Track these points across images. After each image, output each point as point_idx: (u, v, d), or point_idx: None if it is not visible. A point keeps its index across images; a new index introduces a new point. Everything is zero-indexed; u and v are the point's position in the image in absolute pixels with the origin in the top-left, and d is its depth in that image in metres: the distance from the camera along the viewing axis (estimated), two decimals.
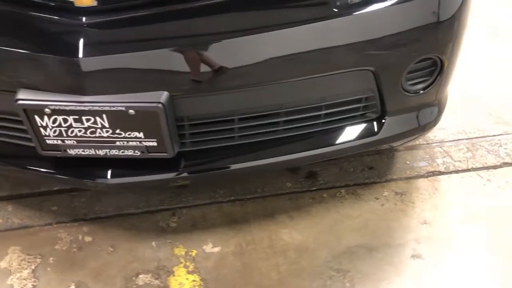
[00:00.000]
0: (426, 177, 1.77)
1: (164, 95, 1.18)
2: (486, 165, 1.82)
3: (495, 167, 1.82)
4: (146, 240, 1.54)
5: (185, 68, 1.17)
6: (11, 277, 1.42)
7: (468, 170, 1.80)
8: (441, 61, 1.38)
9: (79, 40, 1.14)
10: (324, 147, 1.41)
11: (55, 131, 1.24)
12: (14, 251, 1.51)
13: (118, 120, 1.20)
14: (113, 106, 1.18)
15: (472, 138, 1.94)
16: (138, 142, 1.26)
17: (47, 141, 1.27)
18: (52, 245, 1.52)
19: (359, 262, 1.45)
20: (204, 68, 1.18)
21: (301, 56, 1.21)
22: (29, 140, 1.33)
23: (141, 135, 1.24)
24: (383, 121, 1.43)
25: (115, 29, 1.17)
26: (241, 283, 1.39)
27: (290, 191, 1.71)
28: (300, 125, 1.38)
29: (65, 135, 1.25)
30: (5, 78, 1.21)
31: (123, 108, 1.18)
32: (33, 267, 1.45)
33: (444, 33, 1.33)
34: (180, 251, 1.50)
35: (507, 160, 1.84)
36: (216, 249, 1.50)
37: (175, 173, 1.35)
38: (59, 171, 1.35)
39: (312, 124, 1.39)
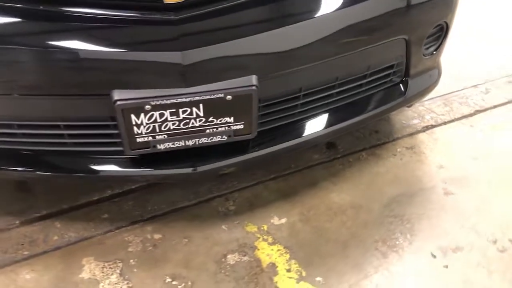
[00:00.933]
0: (424, 131, 2.05)
1: (254, 79, 1.28)
2: (464, 115, 2.15)
3: (471, 115, 2.16)
4: (215, 225, 1.60)
5: (270, 51, 1.29)
6: (101, 284, 1.41)
7: (452, 120, 2.12)
8: (447, 26, 1.65)
9: (175, 35, 1.20)
10: (369, 112, 1.61)
11: (148, 128, 1.28)
12: (89, 261, 1.48)
13: (214, 107, 1.28)
14: (213, 94, 1.25)
15: (444, 95, 2.27)
16: (226, 127, 1.34)
17: (137, 140, 1.29)
18: (125, 249, 1.52)
19: (407, 206, 1.67)
20: (284, 48, 1.30)
21: (356, 27, 1.38)
22: (109, 144, 1.35)
23: (231, 119, 1.32)
24: (408, 83, 1.67)
25: (204, 21, 1.24)
26: (321, 242, 1.53)
27: (320, 162, 1.88)
28: (349, 94, 1.56)
29: (157, 130, 1.29)
30: (100, 81, 1.22)
31: (222, 95, 1.26)
32: (118, 271, 1.45)
33: (452, 2, 1.60)
34: (251, 228, 1.59)
35: (477, 108, 2.20)
36: (283, 220, 1.62)
37: (251, 154, 1.45)
38: (146, 168, 1.38)
39: (358, 92, 1.58)
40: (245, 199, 1.70)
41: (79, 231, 1.59)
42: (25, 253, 1.52)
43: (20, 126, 1.33)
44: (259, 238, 1.56)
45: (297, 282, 1.41)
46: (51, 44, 1.18)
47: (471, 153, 1.92)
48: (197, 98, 1.25)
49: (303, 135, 1.52)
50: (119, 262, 1.48)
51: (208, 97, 1.25)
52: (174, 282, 1.42)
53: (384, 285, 1.41)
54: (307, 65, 1.37)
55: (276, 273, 1.44)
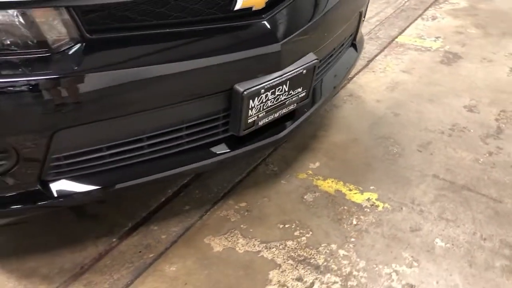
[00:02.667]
0: (349, 82, 2.75)
1: (313, 54, 1.74)
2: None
3: (380, 53, 2.95)
4: (276, 183, 2.00)
5: (325, 32, 1.76)
6: (237, 248, 1.70)
7: (376, 56, 2.89)
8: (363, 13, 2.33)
9: (271, 31, 1.57)
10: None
11: (256, 109, 1.63)
12: (210, 239, 1.74)
13: (294, 82, 1.69)
14: (297, 71, 1.67)
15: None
16: (296, 97, 1.77)
17: (248, 121, 1.63)
18: (228, 221, 1.81)
19: (382, 128, 2.33)
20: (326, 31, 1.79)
21: None
22: (219, 133, 1.64)
23: (300, 89, 1.76)
24: (357, 45, 2.31)
25: (283, 15, 1.63)
26: (353, 167, 2.08)
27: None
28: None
29: (261, 109, 1.65)
30: (223, 80, 1.51)
31: (303, 71, 1.69)
32: (239, 235, 1.75)
33: None
34: (302, 175, 2.04)
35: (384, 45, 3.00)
36: (317, 164, 2.11)
37: (304, 116, 1.89)
38: (248, 144, 1.70)
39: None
40: (279, 160, 2.13)
41: (178, 225, 1.81)
42: (151, 255, 1.69)
43: (149, 138, 1.53)
44: (312, 179, 2.03)
45: (361, 194, 1.95)
46: (186, 59, 1.44)
47: (388, 87, 2.70)
48: (288, 76, 1.66)
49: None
50: (234, 230, 1.78)
51: (294, 74, 1.67)
52: (286, 226, 1.80)
53: (401, 172, 2.04)
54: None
55: (344, 194, 1.94)
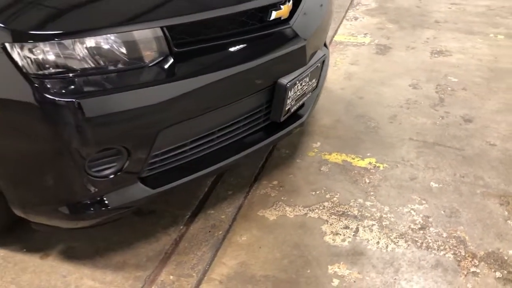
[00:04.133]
0: None
1: (324, 49, 2.16)
2: None
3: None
4: (292, 162, 2.39)
5: (324, 32, 2.18)
6: (288, 215, 2.05)
7: None
8: None
9: (297, 33, 1.95)
10: None
11: (291, 98, 2.00)
12: (262, 212, 2.07)
13: (312, 74, 2.09)
14: (315, 65, 2.07)
15: None
16: (311, 86, 2.17)
17: (285, 108, 2.00)
18: (269, 196, 2.16)
19: (362, 110, 2.82)
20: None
21: None
22: (262, 122, 1.98)
23: (314, 80, 2.17)
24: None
25: (301, 21, 2.02)
26: (348, 141, 2.53)
27: None
28: None
29: (294, 98, 2.02)
30: (270, 76, 1.87)
31: (317, 64, 2.09)
32: (286, 207, 2.10)
33: None
34: (311, 154, 2.45)
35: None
36: (318, 143, 2.53)
37: (314, 103, 2.29)
38: (281, 130, 2.05)
39: None
40: (287, 145, 2.52)
41: (230, 206, 2.11)
42: (220, 232, 1.98)
43: (219, 131, 1.83)
44: (321, 155, 2.44)
45: (363, 160, 2.41)
46: (245, 61, 1.77)
47: (345, 77, 3.21)
48: (310, 70, 2.05)
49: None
50: (278, 202, 2.13)
51: (313, 68, 2.07)
52: (317, 192, 2.19)
53: (385, 139, 2.54)
54: None
55: (350, 162, 2.39)
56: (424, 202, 2.14)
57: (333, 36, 3.85)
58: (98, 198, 1.63)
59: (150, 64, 1.58)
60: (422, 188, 2.22)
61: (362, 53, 3.57)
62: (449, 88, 3.07)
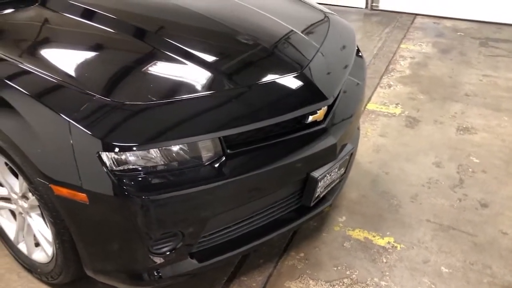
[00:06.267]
0: None
1: (350, 144, 2.47)
2: None
3: None
4: (321, 235, 2.68)
5: (353, 127, 2.50)
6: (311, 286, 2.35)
7: None
8: None
9: (329, 132, 2.26)
10: None
11: (321, 187, 2.32)
12: (289, 283, 2.37)
13: (341, 165, 2.40)
14: (344, 158, 2.38)
15: None
16: (340, 174, 2.48)
17: (316, 195, 2.31)
18: (296, 267, 2.46)
19: (387, 186, 3.10)
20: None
21: None
22: (294, 205, 2.30)
23: (343, 169, 2.48)
24: None
25: (333, 121, 2.33)
26: (372, 212, 2.82)
27: None
28: None
29: (323, 186, 2.33)
30: (304, 169, 2.19)
31: (346, 157, 2.40)
32: (311, 280, 2.40)
33: None
34: (337, 228, 2.74)
35: None
36: (347, 215, 2.82)
37: (340, 188, 2.60)
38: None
39: None
40: (315, 219, 2.82)
41: (260, 274, 2.44)
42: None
43: (258, 214, 2.16)
44: (345, 230, 2.74)
45: (382, 238, 2.69)
46: (287, 158, 2.10)
47: (373, 150, 3.49)
48: (339, 162, 2.36)
49: None
50: (303, 275, 2.44)
51: (342, 160, 2.38)
52: (339, 267, 2.49)
53: (404, 219, 2.80)
54: None
55: (371, 240, 2.68)
56: (433, 286, 2.39)
57: (366, 104, 4.15)
58: (155, 270, 1.98)
59: (206, 163, 1.93)
60: (433, 271, 2.48)
61: (392, 125, 3.86)
62: (470, 169, 3.31)
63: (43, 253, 2.29)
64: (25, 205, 2.26)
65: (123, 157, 1.80)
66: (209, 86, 2.09)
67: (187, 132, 1.88)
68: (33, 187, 1.99)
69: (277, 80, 2.20)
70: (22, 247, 2.40)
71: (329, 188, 2.45)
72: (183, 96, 2.01)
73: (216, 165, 1.94)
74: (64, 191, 1.85)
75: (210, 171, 1.93)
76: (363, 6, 7.04)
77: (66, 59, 2.15)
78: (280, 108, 2.12)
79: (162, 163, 1.86)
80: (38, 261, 2.33)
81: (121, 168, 1.80)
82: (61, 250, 2.08)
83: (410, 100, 4.28)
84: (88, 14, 2.42)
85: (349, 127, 2.46)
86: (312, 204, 2.34)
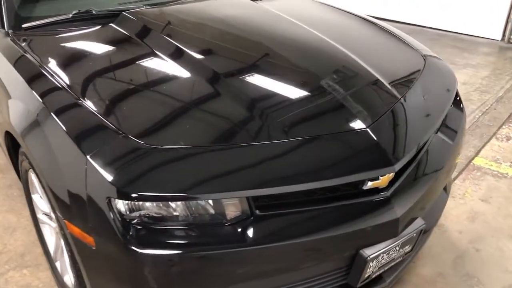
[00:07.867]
0: None
1: (421, 219, 2.04)
2: None
3: None
4: None
5: (431, 197, 2.07)
6: None
7: (454, 179, 3.15)
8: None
9: (392, 205, 1.87)
10: None
11: (373, 267, 1.93)
12: None
13: (405, 243, 1.99)
14: (409, 236, 1.97)
15: None
16: (403, 252, 2.06)
17: (365, 276, 1.93)
18: None
19: (474, 267, 2.58)
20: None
21: None
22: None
23: (407, 246, 2.05)
24: None
25: (401, 191, 1.92)
26: None
27: None
28: None
29: (375, 266, 1.94)
30: (350, 247, 1.84)
31: (413, 234, 1.99)
32: None
33: None
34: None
35: None
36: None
37: (402, 267, 2.18)
38: None
39: None
40: None
41: None
42: None
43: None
44: None
45: None
46: (327, 229, 1.76)
47: (468, 217, 2.94)
48: (402, 240, 1.96)
49: None
50: None
51: (406, 238, 1.97)
52: None
53: None
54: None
55: None
56: None
57: (473, 158, 3.56)
58: None
59: (228, 223, 1.68)
60: None
61: (499, 188, 3.24)
62: None
63: (70, 279, 2.22)
64: None
65: (134, 206, 1.63)
66: (251, 135, 1.81)
67: (211, 189, 1.63)
68: (55, 215, 1.91)
69: (333, 136, 1.86)
70: (58, 265, 2.37)
71: (386, 268, 2.04)
72: (223, 145, 1.77)
73: (240, 228, 1.68)
74: (75, 230, 1.73)
75: (232, 233, 1.67)
76: (499, 37, 6.24)
77: (112, 90, 2.02)
78: (330, 169, 1.78)
79: (179, 215, 1.65)
80: (68, 285, 2.27)
81: (131, 215, 1.63)
82: (77, 283, 1.98)
83: None
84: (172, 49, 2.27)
85: (423, 198, 2.03)
86: (359, 285, 1.96)
